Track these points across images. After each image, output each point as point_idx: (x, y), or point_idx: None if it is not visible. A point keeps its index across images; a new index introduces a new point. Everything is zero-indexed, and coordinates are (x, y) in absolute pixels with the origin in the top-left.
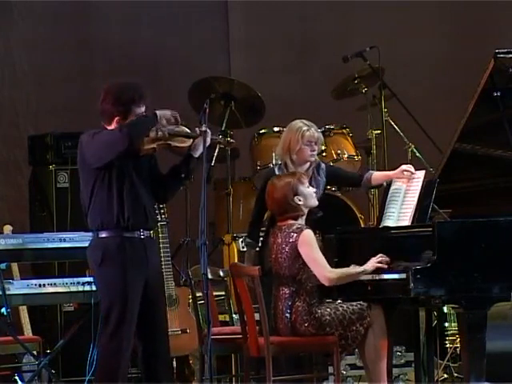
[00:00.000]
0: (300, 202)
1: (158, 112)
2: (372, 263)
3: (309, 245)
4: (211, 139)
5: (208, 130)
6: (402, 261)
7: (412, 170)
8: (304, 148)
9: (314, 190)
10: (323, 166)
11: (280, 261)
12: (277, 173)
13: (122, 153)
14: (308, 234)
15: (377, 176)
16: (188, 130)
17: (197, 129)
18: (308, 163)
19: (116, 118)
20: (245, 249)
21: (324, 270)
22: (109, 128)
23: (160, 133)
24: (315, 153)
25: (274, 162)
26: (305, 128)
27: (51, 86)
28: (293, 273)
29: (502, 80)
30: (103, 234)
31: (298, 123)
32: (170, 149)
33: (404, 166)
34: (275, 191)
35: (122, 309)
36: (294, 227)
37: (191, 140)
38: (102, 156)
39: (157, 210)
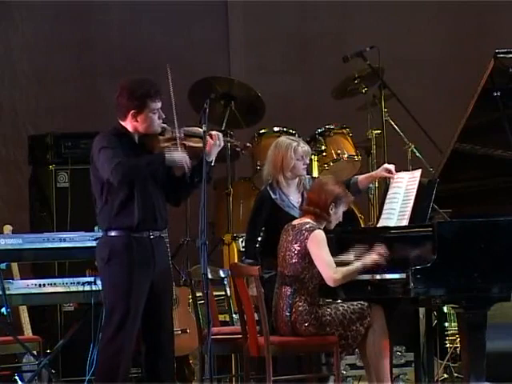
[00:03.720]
0: (331, 212)
1: (166, 155)
2: (371, 257)
3: (318, 244)
4: (229, 142)
5: (219, 133)
6: (401, 261)
7: (393, 168)
8: (297, 163)
9: (341, 220)
10: (308, 177)
11: (287, 258)
12: (271, 194)
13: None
14: (319, 233)
15: (361, 179)
16: (201, 131)
17: (213, 132)
18: (298, 177)
19: (131, 112)
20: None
21: (330, 271)
22: (123, 123)
23: (175, 133)
24: (306, 166)
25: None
26: (295, 144)
27: (51, 86)
28: (297, 271)
29: (502, 80)
30: (112, 233)
31: (285, 140)
32: (185, 150)
33: (386, 165)
34: (324, 188)
35: (125, 308)
36: (307, 226)
37: (205, 143)
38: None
39: None
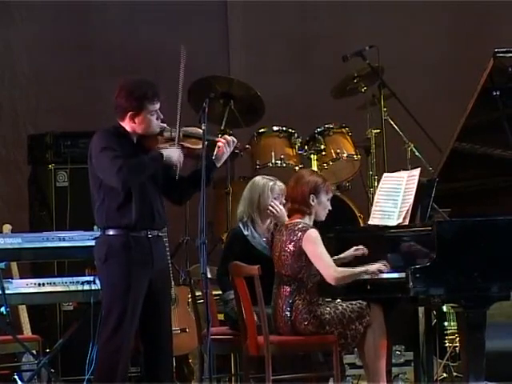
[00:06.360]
0: (312, 203)
1: (164, 153)
2: (376, 266)
3: (314, 243)
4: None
5: (234, 139)
6: (401, 261)
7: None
8: (274, 202)
9: (330, 208)
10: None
11: (283, 258)
12: (243, 230)
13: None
14: (313, 232)
15: None
16: (200, 131)
17: (227, 136)
18: (270, 218)
19: (129, 113)
20: None
21: (330, 270)
22: (121, 123)
23: (174, 133)
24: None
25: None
26: (271, 183)
27: (51, 86)
28: (295, 271)
29: (501, 79)
30: (110, 232)
31: (261, 180)
32: (182, 151)
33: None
34: (299, 181)
35: (123, 307)
36: (300, 226)
37: (205, 143)
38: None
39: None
